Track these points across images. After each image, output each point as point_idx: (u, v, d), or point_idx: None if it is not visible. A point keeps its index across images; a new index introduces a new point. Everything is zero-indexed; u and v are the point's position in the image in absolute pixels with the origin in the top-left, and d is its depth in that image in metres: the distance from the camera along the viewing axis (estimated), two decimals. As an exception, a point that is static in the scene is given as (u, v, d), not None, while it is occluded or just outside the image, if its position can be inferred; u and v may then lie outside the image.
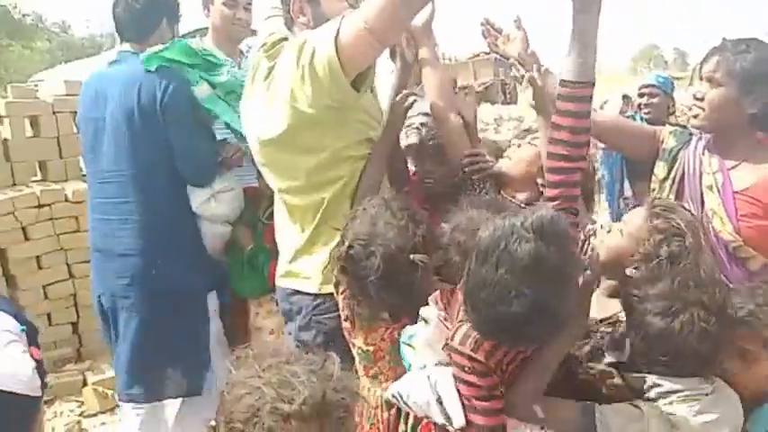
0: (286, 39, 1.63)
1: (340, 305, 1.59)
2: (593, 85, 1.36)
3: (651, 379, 1.20)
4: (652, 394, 1.19)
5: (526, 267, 1.07)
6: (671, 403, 1.17)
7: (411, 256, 1.38)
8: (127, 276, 2.08)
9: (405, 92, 1.76)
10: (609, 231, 1.44)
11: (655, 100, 3.80)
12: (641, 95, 3.89)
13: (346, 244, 1.43)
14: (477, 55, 15.51)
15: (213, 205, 2.09)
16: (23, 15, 32.61)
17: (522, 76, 1.74)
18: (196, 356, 2.14)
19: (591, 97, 1.37)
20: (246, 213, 2.24)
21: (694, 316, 1.14)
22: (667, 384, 1.18)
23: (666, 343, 1.15)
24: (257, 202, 2.23)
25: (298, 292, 1.72)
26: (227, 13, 2.42)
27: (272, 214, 1.94)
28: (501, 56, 1.93)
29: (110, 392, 3.20)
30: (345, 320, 1.58)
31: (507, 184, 1.85)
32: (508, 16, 1.96)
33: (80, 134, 2.27)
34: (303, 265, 1.71)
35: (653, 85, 3.84)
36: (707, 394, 1.17)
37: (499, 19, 1.88)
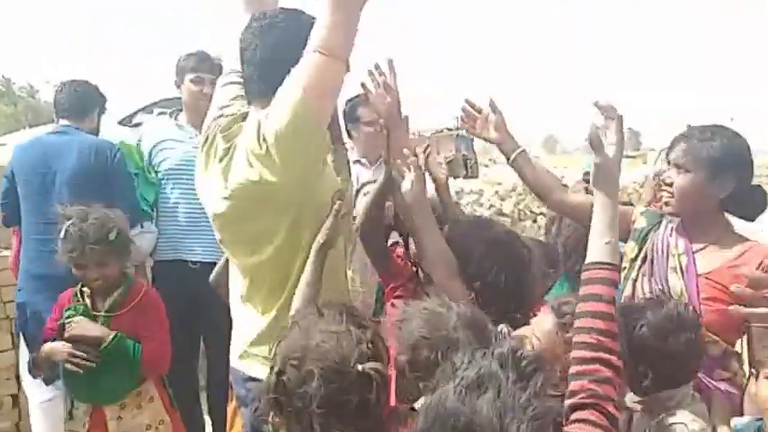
0: (245, 117, 1.50)
1: None
2: (619, 269, 1.34)
3: None
4: None
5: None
6: None
7: (360, 367, 1.08)
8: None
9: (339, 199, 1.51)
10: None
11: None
12: (586, 181, 4.06)
13: (275, 370, 1.13)
14: (441, 131, 16.19)
15: (137, 241, 2.48)
16: (-12, 78, 32.33)
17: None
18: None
19: (617, 282, 1.27)
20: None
21: None
22: None
23: None
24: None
25: (254, 378, 1.52)
26: (194, 89, 2.71)
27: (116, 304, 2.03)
28: (477, 136, 1.95)
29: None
30: None
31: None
32: (475, 94, 1.99)
33: (18, 186, 2.71)
34: (264, 349, 1.51)
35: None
36: None
37: (471, 98, 1.92)
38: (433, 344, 1.23)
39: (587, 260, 1.23)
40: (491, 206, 6.87)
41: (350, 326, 1.13)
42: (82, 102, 2.79)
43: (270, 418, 1.15)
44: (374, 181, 2.15)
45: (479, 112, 1.90)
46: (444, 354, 1.17)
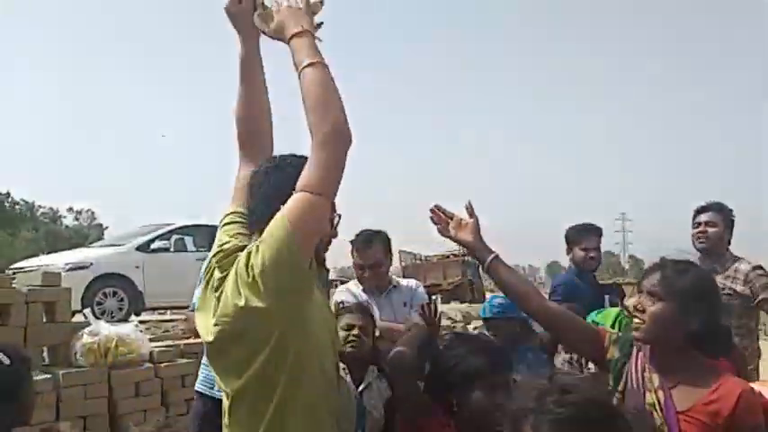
0: (242, 248, 1.54)
1: None
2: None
3: None
4: None
5: None
6: None
7: None
8: None
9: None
10: None
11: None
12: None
13: None
14: (447, 256, 16.36)
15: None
16: (14, 204, 33.85)
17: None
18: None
19: None
20: None
21: None
22: None
23: None
24: None
25: None
26: None
27: None
28: (449, 239, 1.95)
29: None
30: None
31: None
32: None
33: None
34: None
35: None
36: None
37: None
38: None
39: None
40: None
41: None
42: None
43: None
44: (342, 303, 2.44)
45: (451, 217, 1.92)
46: None
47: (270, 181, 1.56)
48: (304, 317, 1.50)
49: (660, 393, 1.60)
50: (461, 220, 1.89)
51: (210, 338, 1.50)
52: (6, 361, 1.62)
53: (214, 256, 1.60)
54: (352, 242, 2.83)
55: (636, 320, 1.65)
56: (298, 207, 1.41)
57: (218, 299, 1.50)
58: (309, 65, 1.48)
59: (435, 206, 1.94)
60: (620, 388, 1.68)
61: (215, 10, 1.72)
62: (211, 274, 1.58)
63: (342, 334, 2.15)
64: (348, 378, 2.08)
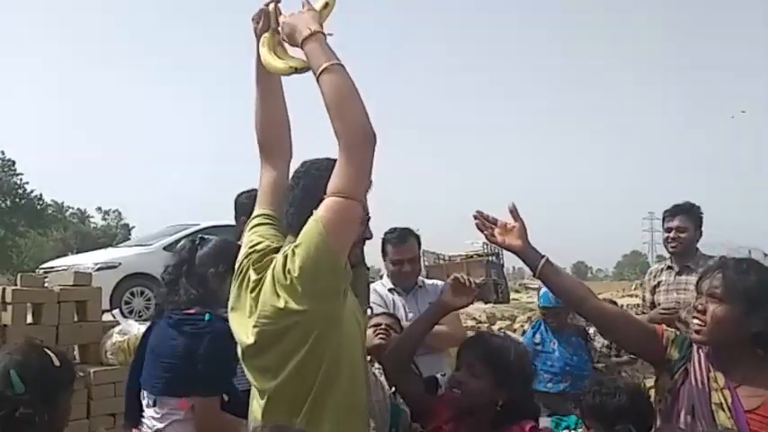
0: (277, 250, 1.57)
1: None
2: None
3: None
4: None
5: None
6: None
7: None
8: None
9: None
10: None
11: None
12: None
13: None
14: (471, 256, 16.30)
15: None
16: (46, 205, 34.80)
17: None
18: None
19: None
20: None
21: None
22: None
23: None
24: None
25: None
26: None
27: None
28: (498, 245, 1.89)
29: None
30: None
31: None
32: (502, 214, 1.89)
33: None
34: None
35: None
36: None
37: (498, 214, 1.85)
38: None
39: None
40: (524, 332, 6.73)
41: None
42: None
43: None
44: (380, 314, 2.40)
45: (495, 223, 1.85)
46: None
47: (301, 185, 1.60)
48: (339, 318, 1.53)
49: (727, 393, 1.58)
50: (506, 224, 1.83)
51: (251, 340, 1.53)
52: (57, 362, 1.62)
53: (246, 257, 1.63)
54: (383, 240, 2.86)
55: (697, 322, 1.62)
56: (330, 211, 1.45)
57: (256, 300, 1.53)
58: (325, 69, 1.49)
59: (477, 212, 1.88)
60: (678, 387, 1.65)
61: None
62: (245, 275, 1.60)
63: (369, 330, 2.17)
64: (383, 378, 2.07)
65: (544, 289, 3.45)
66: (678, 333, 1.79)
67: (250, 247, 1.64)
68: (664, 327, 1.82)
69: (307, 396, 1.51)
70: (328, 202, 1.46)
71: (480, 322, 8.73)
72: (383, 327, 2.22)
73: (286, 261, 1.47)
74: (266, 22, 1.73)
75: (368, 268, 2.03)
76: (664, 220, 3.54)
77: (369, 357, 2.10)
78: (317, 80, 1.51)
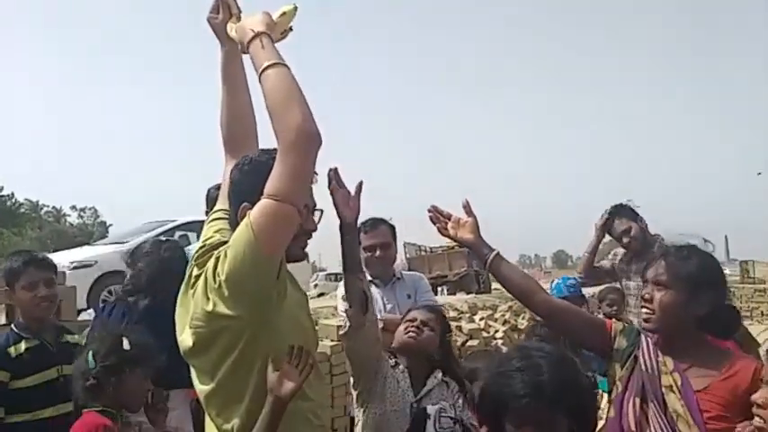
0: (224, 243, 1.53)
1: None
2: None
3: None
4: None
5: None
6: None
7: None
8: None
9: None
10: None
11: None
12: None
13: None
14: (452, 248, 16.37)
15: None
16: (19, 204, 33.96)
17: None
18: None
19: None
20: None
21: None
22: None
23: None
24: None
25: None
26: None
27: None
28: (450, 238, 1.96)
29: None
30: None
31: None
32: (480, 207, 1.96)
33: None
34: None
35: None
36: None
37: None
38: None
39: None
40: (505, 321, 6.77)
41: None
42: None
43: None
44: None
45: (448, 217, 1.92)
46: None
47: (243, 181, 1.56)
48: (272, 321, 1.48)
49: (677, 375, 1.62)
50: (460, 219, 1.90)
51: (190, 342, 1.50)
52: (126, 346, 1.89)
53: (196, 251, 1.60)
54: (358, 229, 2.82)
55: (645, 311, 1.67)
56: (262, 215, 1.39)
57: (193, 298, 1.50)
58: (265, 69, 1.46)
59: (432, 207, 1.96)
60: (628, 374, 1.68)
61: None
62: (191, 271, 1.57)
63: (402, 326, 2.12)
64: (406, 381, 2.02)
65: (557, 280, 3.66)
66: (626, 324, 1.84)
67: (203, 242, 1.63)
68: (613, 320, 1.87)
69: (242, 398, 1.49)
70: (261, 204, 1.41)
71: (462, 312, 8.78)
72: (416, 323, 2.10)
73: (217, 263, 1.44)
74: (226, 10, 1.75)
75: (362, 275, 1.99)
76: (609, 232, 3.54)
77: (394, 359, 2.05)
78: (259, 81, 1.47)
